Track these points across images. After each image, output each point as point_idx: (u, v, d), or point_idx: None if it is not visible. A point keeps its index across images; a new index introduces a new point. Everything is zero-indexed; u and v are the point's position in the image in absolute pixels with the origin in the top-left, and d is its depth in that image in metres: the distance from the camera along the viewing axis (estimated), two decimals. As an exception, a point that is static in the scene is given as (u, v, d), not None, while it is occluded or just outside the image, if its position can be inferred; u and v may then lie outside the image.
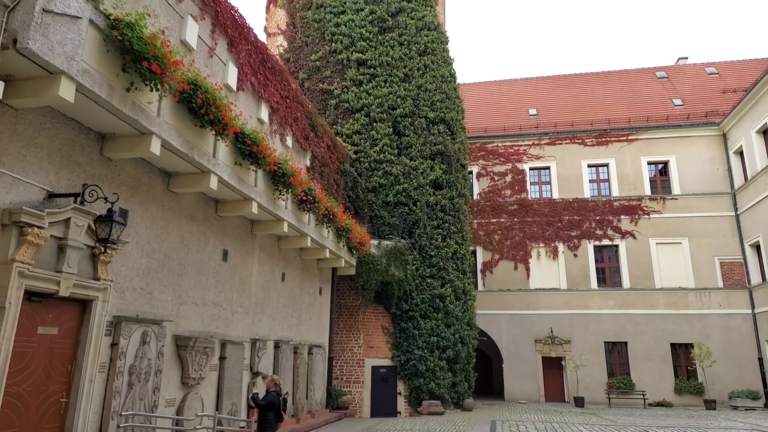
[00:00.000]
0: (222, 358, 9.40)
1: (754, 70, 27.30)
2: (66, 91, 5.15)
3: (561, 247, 23.88)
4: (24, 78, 5.18)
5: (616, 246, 23.67)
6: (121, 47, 5.73)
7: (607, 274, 23.58)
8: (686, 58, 31.43)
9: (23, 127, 5.46)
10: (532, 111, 28.07)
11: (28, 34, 4.74)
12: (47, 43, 4.91)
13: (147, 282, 7.42)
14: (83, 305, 6.27)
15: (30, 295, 5.46)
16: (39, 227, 5.27)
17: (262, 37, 20.50)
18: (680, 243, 23.12)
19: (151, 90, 6.19)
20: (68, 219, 5.68)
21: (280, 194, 10.20)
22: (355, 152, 18.11)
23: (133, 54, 5.74)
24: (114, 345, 6.64)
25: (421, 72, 19.35)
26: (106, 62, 5.68)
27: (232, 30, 9.62)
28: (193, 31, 8.47)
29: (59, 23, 5.05)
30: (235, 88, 9.83)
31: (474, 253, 23.98)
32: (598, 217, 23.98)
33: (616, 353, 22.41)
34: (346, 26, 19.05)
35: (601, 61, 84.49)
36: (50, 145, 5.79)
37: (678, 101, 26.49)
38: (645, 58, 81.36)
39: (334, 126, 18.36)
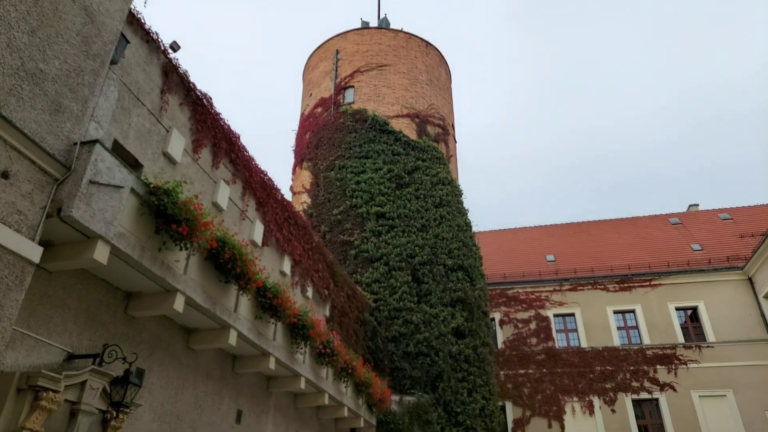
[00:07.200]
0: None
1: (766, 215, 27.63)
2: (101, 254, 5.34)
3: (596, 401, 22.22)
4: (61, 243, 5.38)
5: (656, 399, 21.97)
6: (156, 211, 6.07)
7: (651, 432, 21.58)
8: (697, 204, 32.07)
9: (54, 290, 5.59)
10: (550, 257, 28.21)
11: (72, 204, 4.97)
12: (89, 211, 5.17)
13: (155, 449, 6.96)
14: (85, 478, 5.81)
15: (32, 468, 5.09)
16: (54, 391, 5.12)
17: (287, 195, 21.83)
18: (725, 396, 21.39)
19: (180, 249, 6.42)
20: (84, 381, 5.53)
21: (298, 347, 9.97)
22: (375, 301, 18.01)
23: (165, 217, 6.07)
24: None
25: (437, 222, 20.00)
26: (140, 225, 5.96)
27: (260, 192, 10.27)
28: (225, 194, 9.06)
29: (103, 192, 5.39)
30: (260, 244, 10.19)
31: (503, 408, 22.39)
32: (632, 368, 22.63)
33: None
34: (365, 183, 20.24)
35: (610, 209, 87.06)
36: (78, 305, 5.88)
37: (696, 246, 26.52)
38: (654, 206, 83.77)
39: (354, 275, 18.54)
